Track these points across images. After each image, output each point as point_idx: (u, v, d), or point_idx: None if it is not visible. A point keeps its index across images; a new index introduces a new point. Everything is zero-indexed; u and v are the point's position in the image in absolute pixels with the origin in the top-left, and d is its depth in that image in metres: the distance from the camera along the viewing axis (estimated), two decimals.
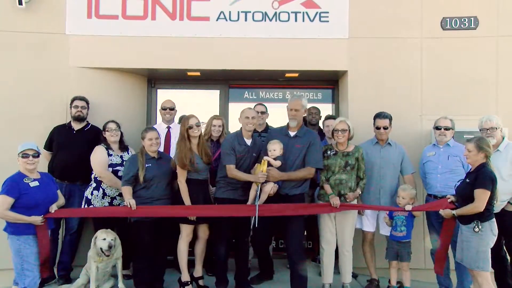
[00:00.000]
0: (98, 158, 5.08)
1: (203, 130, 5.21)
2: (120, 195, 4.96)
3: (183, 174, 4.73)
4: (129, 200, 4.57)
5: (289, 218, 4.69)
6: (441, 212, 4.40)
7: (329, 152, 4.86)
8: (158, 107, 6.13)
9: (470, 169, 4.33)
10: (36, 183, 4.30)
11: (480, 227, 4.06)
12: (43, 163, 4.52)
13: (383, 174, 5.03)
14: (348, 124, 4.82)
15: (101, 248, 4.66)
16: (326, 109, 6.51)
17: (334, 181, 4.78)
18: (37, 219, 4.20)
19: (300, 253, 4.80)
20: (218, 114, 6.11)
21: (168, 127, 5.77)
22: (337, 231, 4.91)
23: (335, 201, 4.62)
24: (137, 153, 4.92)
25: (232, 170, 4.71)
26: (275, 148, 4.67)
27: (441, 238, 4.60)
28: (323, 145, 5.06)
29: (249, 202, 4.70)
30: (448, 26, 5.79)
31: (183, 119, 4.93)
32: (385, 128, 5.04)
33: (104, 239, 4.67)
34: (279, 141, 4.73)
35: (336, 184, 4.77)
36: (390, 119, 5.09)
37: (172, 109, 5.81)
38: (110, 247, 4.65)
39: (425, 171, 5.09)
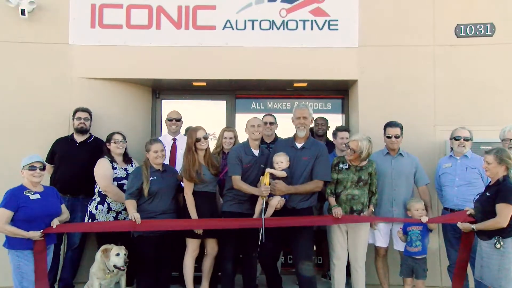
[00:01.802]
0: (103, 171, 4.97)
1: (213, 142, 5.09)
2: (126, 209, 4.81)
3: (190, 186, 4.66)
4: (134, 214, 4.47)
5: (297, 231, 4.56)
6: (459, 225, 4.26)
7: (341, 166, 4.70)
8: (163, 118, 6.08)
9: (490, 182, 4.19)
10: (37, 196, 4.18)
11: (502, 243, 3.90)
12: (44, 177, 4.42)
13: (395, 185, 4.90)
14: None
15: (114, 265, 4.51)
16: (335, 119, 6.40)
17: (345, 196, 4.64)
18: (35, 235, 4.05)
19: (309, 268, 4.64)
20: (225, 125, 6.07)
21: (174, 139, 5.68)
22: (349, 247, 4.76)
23: (338, 211, 4.49)
24: (142, 166, 4.83)
25: (237, 181, 4.61)
26: (281, 160, 4.55)
27: (459, 253, 4.45)
28: (333, 157, 4.94)
29: (254, 217, 4.57)
30: (462, 33, 5.66)
31: (190, 131, 4.84)
32: (396, 137, 4.93)
33: (118, 254, 4.53)
34: (285, 153, 4.60)
35: (348, 200, 4.63)
36: (401, 128, 4.99)
37: (178, 120, 5.72)
38: (126, 263, 4.51)
39: (441, 183, 4.95)
